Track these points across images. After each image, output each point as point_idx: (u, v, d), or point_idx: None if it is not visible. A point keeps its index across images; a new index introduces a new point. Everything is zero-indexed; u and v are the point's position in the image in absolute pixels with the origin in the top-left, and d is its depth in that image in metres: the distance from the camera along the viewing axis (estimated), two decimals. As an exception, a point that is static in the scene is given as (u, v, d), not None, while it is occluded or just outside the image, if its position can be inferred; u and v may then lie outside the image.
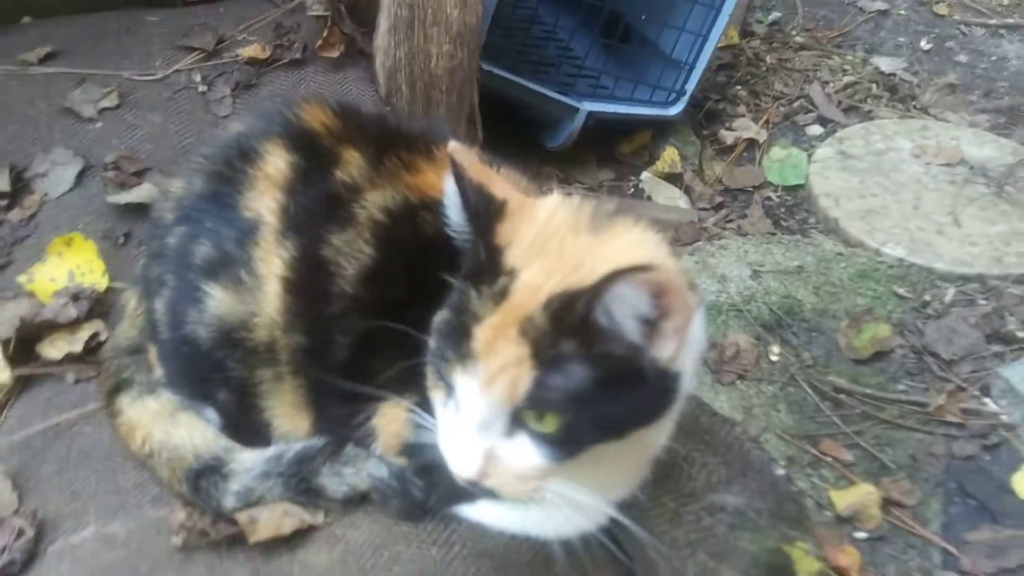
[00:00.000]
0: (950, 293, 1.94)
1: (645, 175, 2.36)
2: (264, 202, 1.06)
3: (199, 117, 1.69)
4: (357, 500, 1.03)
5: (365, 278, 1.02)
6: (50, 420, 1.20)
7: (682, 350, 0.82)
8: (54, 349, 1.26)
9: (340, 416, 1.06)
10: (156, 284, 1.13)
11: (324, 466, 1.04)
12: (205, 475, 1.08)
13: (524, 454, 0.81)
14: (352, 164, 1.06)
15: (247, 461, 1.07)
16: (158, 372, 1.18)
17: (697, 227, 2.21)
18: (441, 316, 0.87)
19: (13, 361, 1.25)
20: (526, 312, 0.78)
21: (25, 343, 1.26)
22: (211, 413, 1.14)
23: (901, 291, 1.95)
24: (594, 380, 0.77)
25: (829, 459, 1.56)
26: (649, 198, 2.32)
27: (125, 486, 1.12)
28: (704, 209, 2.30)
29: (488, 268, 0.81)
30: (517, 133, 2.34)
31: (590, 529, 0.98)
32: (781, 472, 1.04)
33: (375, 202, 1.04)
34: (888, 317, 1.89)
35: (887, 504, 1.52)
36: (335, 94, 1.75)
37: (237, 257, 1.05)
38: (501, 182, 0.89)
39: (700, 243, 2.11)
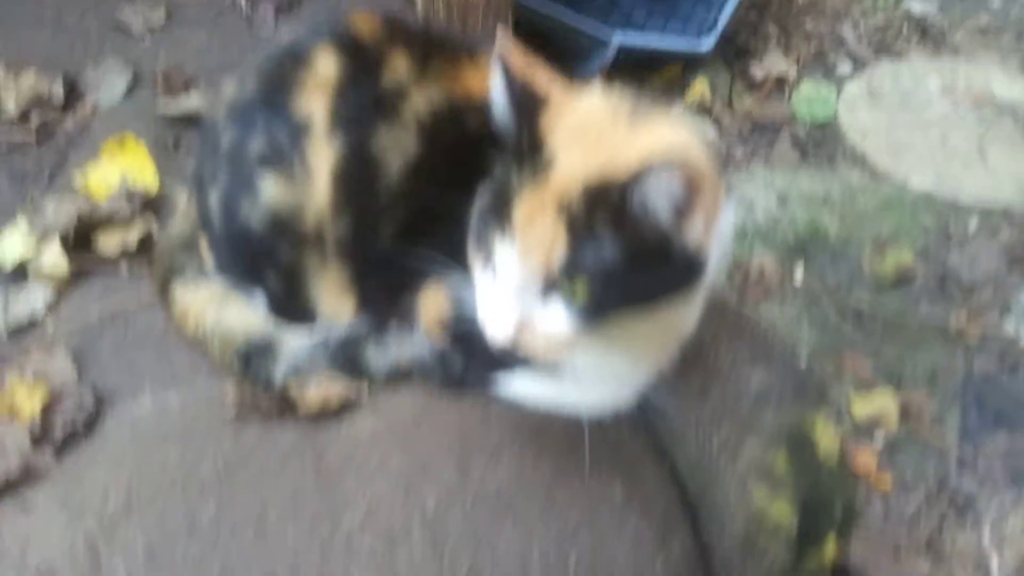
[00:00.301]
0: (974, 223, 1.97)
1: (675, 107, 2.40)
2: (314, 102, 1.11)
3: (243, 36, 1.74)
4: (399, 377, 1.09)
5: (410, 173, 1.07)
6: (106, 307, 1.26)
7: (709, 237, 0.87)
8: (109, 244, 1.32)
9: (383, 298, 1.12)
10: (209, 179, 1.19)
11: (369, 343, 1.10)
12: (255, 354, 1.14)
13: (555, 320, 0.86)
14: (399, 67, 1.11)
15: (294, 341, 1.14)
16: (209, 260, 1.24)
17: (724, 157, 2.24)
18: (485, 189, 0.92)
19: (71, 254, 1.31)
20: (564, 193, 0.83)
21: (82, 238, 1.33)
22: (259, 295, 1.20)
23: (925, 221, 1.98)
24: (624, 257, 0.82)
25: (849, 372, 1.60)
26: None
27: (179, 364, 1.19)
28: (732, 141, 2.33)
29: (530, 152, 0.86)
30: (548, 62, 2.38)
31: (620, 405, 1.04)
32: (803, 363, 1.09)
33: (420, 103, 1.09)
34: (912, 245, 1.92)
35: (905, 413, 1.57)
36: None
37: (289, 152, 1.11)
38: (546, 73, 0.93)
39: (727, 172, 2.15)
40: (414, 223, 1.08)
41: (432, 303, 1.08)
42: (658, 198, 0.80)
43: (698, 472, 1.04)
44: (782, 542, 1.00)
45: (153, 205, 1.39)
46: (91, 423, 1.12)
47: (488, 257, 0.90)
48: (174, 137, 1.51)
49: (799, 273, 1.85)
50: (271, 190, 1.11)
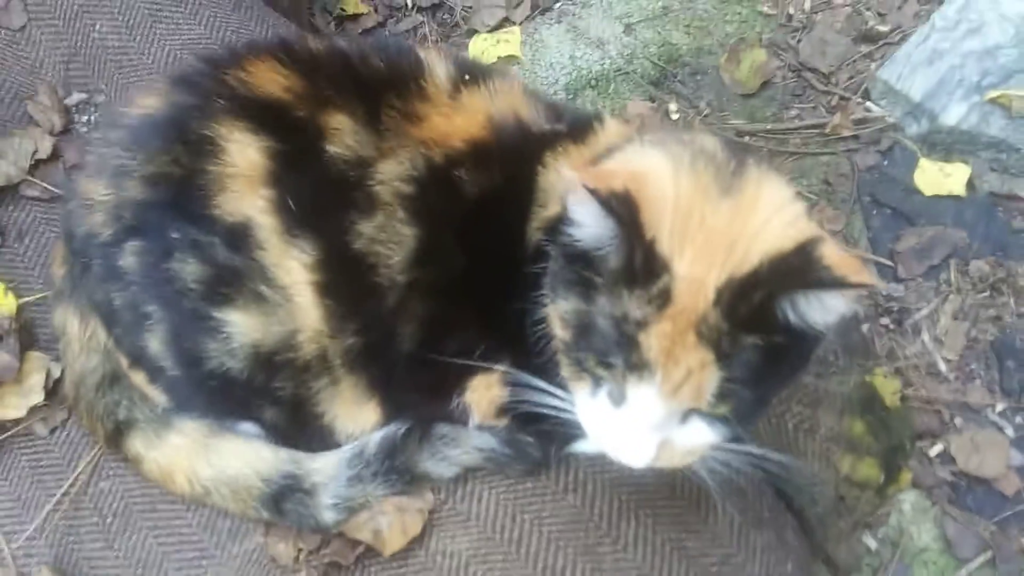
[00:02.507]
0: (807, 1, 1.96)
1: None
2: (248, 202, 0.89)
3: None
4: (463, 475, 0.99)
5: (415, 261, 0.90)
6: (57, 489, 1.03)
7: None
8: (9, 408, 1.05)
9: (419, 400, 0.98)
10: (129, 315, 0.95)
11: (422, 453, 0.98)
12: (285, 497, 0.99)
13: (697, 436, 0.80)
14: (344, 133, 0.90)
15: (326, 469, 0.99)
16: (161, 399, 1.02)
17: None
18: (571, 308, 0.78)
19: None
20: (698, 313, 0.72)
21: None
22: (250, 427, 1.02)
23: (764, 8, 1.95)
24: (768, 361, 0.75)
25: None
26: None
27: (191, 533, 1.02)
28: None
29: (643, 270, 0.73)
30: None
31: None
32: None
33: (393, 173, 0.89)
34: (760, 40, 1.90)
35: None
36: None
37: (244, 270, 0.90)
38: (618, 172, 0.78)
39: (561, 5, 1.97)
40: (437, 315, 0.92)
41: (485, 393, 0.96)
42: (817, 311, 0.72)
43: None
44: (871, 491, 1.06)
45: (26, 332, 1.10)
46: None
47: (597, 381, 0.80)
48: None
49: (672, 106, 1.80)
50: (242, 326, 0.91)
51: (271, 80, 0.90)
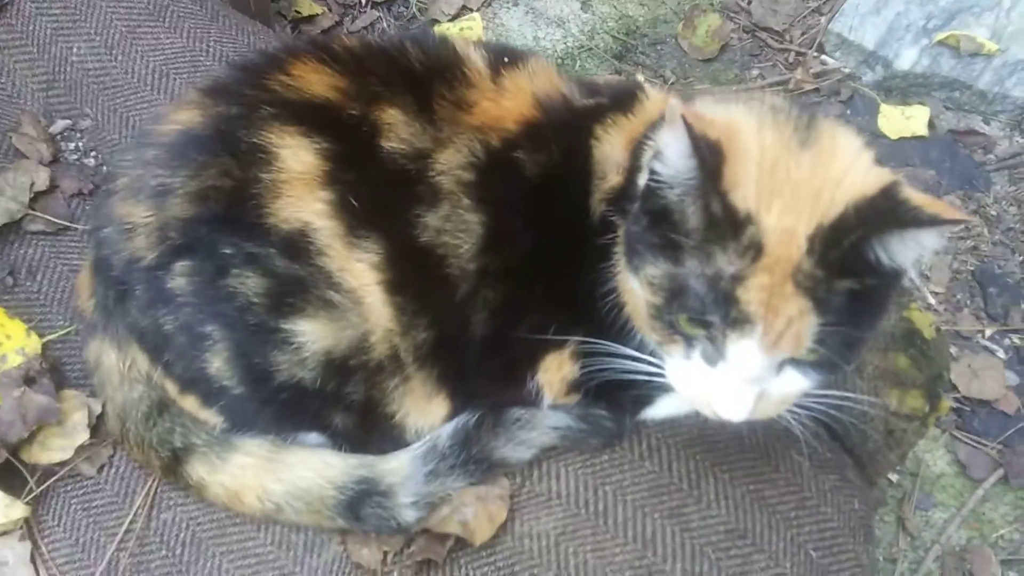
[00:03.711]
0: (751, -39, 2.01)
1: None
2: (305, 206, 0.87)
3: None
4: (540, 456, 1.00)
5: (483, 248, 0.90)
6: (118, 527, 0.99)
7: None
8: (54, 451, 1.01)
9: (490, 390, 0.98)
10: (184, 338, 0.92)
11: (497, 439, 0.98)
12: (362, 502, 0.97)
13: (791, 384, 0.82)
14: (398, 126, 0.88)
15: (400, 468, 0.98)
16: (216, 420, 0.99)
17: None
18: (660, 272, 0.79)
19: (12, 488, 0.99)
20: (792, 262, 0.74)
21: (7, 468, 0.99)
22: (314, 437, 1.00)
23: (711, -27, 1.99)
24: (860, 303, 0.77)
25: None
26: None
27: (266, 552, 0.99)
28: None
29: (727, 221, 0.74)
30: None
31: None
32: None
33: (453, 162, 0.89)
34: (712, 4, 1.94)
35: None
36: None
37: (308, 278, 0.88)
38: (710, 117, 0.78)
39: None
40: (509, 298, 0.92)
41: (557, 372, 0.97)
42: (910, 249, 0.75)
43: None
44: (917, 422, 1.11)
45: (57, 372, 1.05)
46: None
47: (689, 342, 0.81)
48: (3, 266, 1.11)
49: (640, 78, 1.83)
50: (312, 334, 0.89)
51: (318, 81, 0.89)
